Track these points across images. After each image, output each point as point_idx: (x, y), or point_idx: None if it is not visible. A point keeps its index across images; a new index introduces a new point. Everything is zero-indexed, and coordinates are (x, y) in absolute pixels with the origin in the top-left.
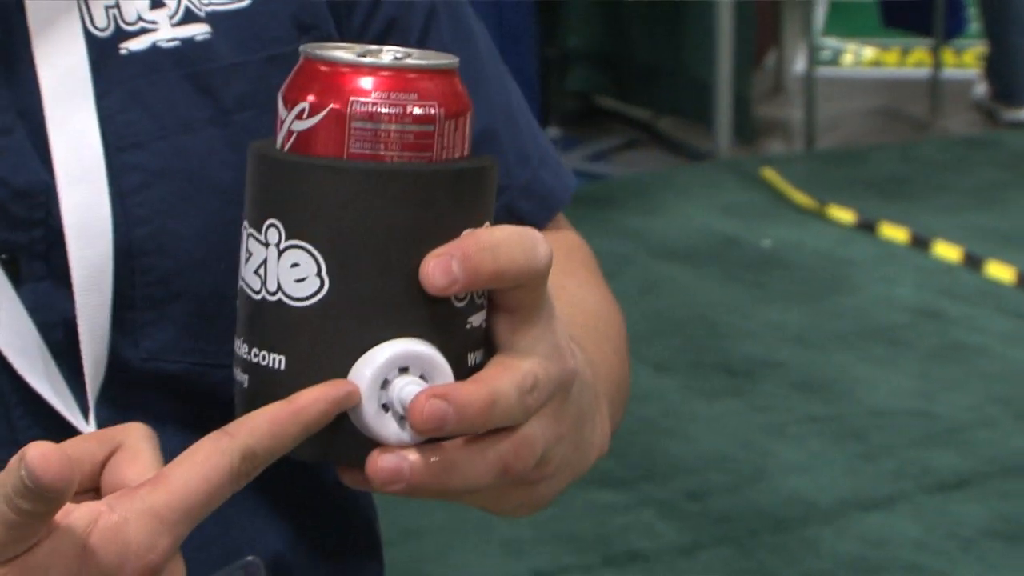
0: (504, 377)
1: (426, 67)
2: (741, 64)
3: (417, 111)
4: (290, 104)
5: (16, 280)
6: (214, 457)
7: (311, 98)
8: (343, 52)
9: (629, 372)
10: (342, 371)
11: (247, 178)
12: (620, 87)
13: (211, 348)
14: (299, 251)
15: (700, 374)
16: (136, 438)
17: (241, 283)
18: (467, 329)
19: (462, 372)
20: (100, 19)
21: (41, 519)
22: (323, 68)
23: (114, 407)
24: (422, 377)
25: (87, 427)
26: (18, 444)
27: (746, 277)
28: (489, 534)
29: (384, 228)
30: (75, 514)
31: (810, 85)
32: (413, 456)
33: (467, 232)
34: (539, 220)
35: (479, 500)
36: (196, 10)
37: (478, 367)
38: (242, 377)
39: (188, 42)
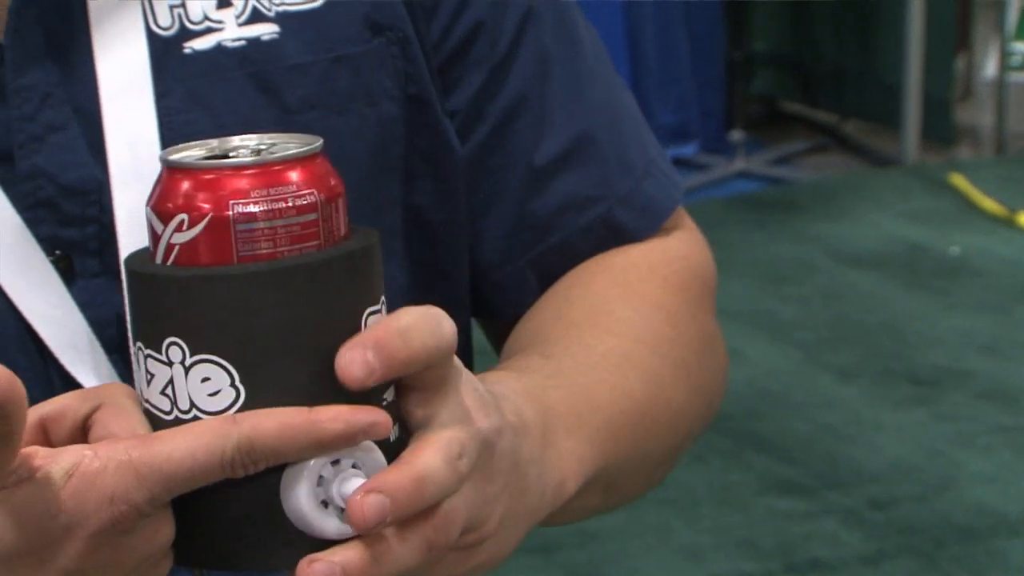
0: (428, 452)
1: (297, 155)
2: (939, 64)
3: (299, 202)
4: (165, 217)
5: (70, 277)
6: (210, 437)
7: (188, 208)
8: (203, 153)
9: (683, 395)
10: (276, 476)
11: (128, 297)
12: (806, 90)
13: None
14: (208, 365)
15: (885, 382)
16: (118, 395)
17: (146, 405)
18: (383, 407)
19: (387, 451)
20: (164, 18)
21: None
22: (194, 176)
23: None
24: (355, 466)
25: None
26: None
27: (933, 284)
28: (669, 538)
29: (290, 324)
30: (61, 457)
31: (1001, 90)
32: (341, 558)
33: (373, 321)
34: (641, 230)
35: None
36: (265, 10)
37: (400, 441)
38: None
39: (254, 42)
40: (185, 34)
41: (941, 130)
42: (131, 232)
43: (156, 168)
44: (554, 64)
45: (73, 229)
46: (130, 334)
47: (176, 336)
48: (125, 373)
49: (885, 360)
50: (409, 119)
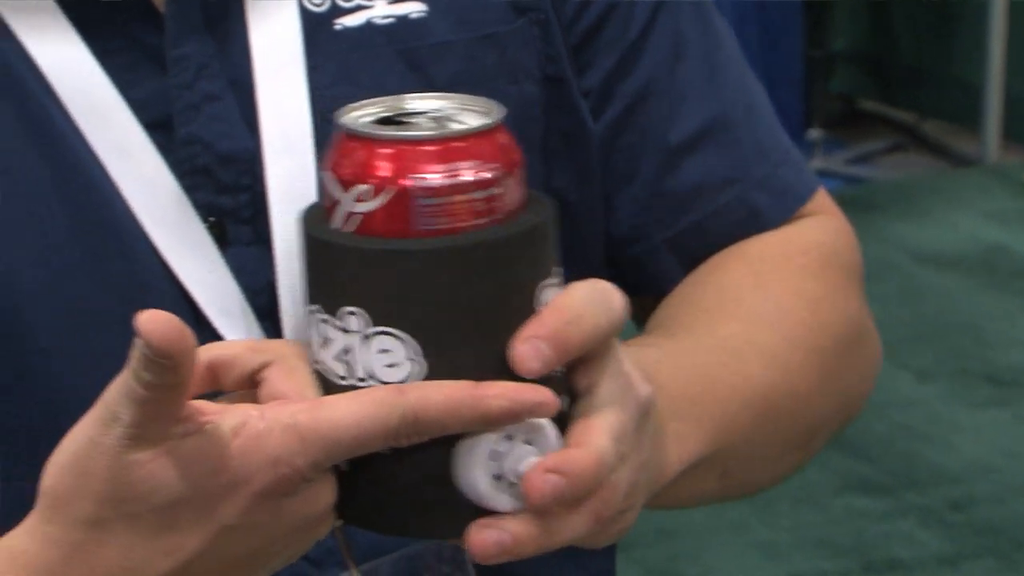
0: (601, 434)
1: (480, 129)
2: (1020, 63)
3: (482, 176)
4: (345, 183)
5: (223, 243)
6: (376, 407)
7: (371, 178)
8: (381, 111)
9: (814, 384)
10: (447, 449)
11: (307, 259)
12: (885, 89)
13: None
14: (388, 337)
15: (964, 382)
16: (290, 354)
17: (318, 367)
18: (554, 382)
19: (558, 424)
20: None
21: (169, 391)
22: (378, 145)
23: None
24: (528, 442)
25: None
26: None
27: (1013, 285)
28: (746, 535)
29: (469, 300)
30: (227, 414)
31: None
32: (513, 527)
33: (548, 304)
34: (778, 214)
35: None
36: None
37: (565, 414)
38: (342, 464)
39: (403, 19)
40: (336, 11)
41: (1023, 130)
42: (283, 201)
43: (308, 139)
44: (689, 47)
45: (227, 197)
46: (304, 294)
47: (357, 306)
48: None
49: (964, 360)
50: (548, 100)
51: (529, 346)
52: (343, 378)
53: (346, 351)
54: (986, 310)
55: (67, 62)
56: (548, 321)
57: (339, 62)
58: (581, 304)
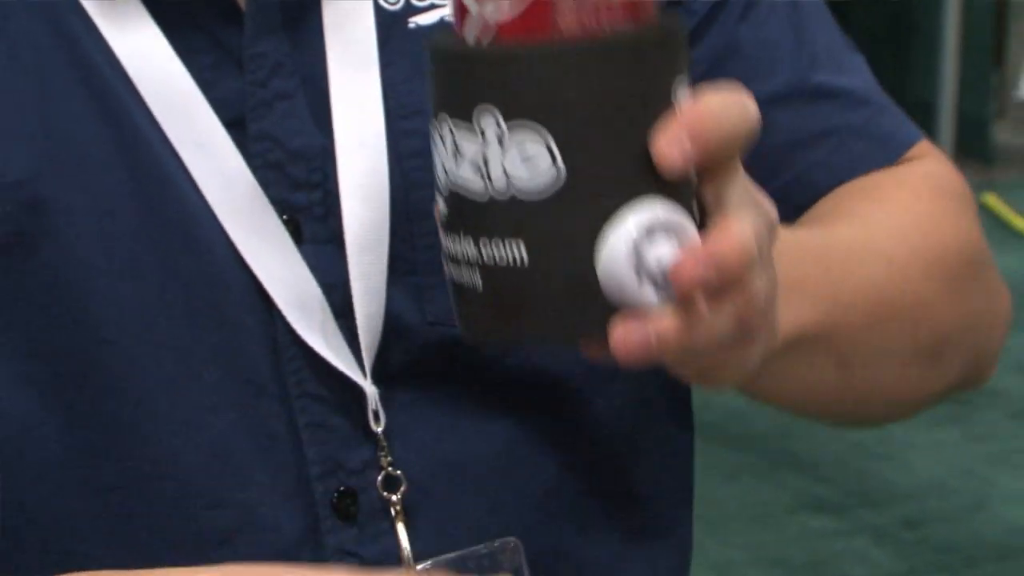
0: (741, 228)
1: None
2: (974, 82)
3: None
4: None
5: (297, 240)
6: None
7: None
8: None
9: (938, 294)
10: (590, 245)
11: (436, 80)
12: None
13: None
14: (525, 135)
15: None
16: None
17: (450, 183)
18: (691, 184)
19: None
20: None
21: None
22: None
23: (396, 370)
24: (669, 240)
25: (366, 383)
26: (290, 399)
27: None
28: (700, 555)
29: (610, 99)
30: None
31: None
32: (657, 322)
33: (685, 103)
34: (881, 158)
35: (704, 367)
36: None
37: (696, 219)
38: (472, 278)
39: None
40: (410, 9)
41: (977, 149)
42: (355, 198)
43: (381, 135)
44: (769, 5)
45: (300, 193)
46: (432, 111)
47: (491, 104)
48: (350, 339)
49: None
50: None
51: (671, 139)
52: (478, 189)
53: (483, 159)
54: None
55: (150, 58)
56: (688, 118)
57: (412, 60)
58: (719, 106)
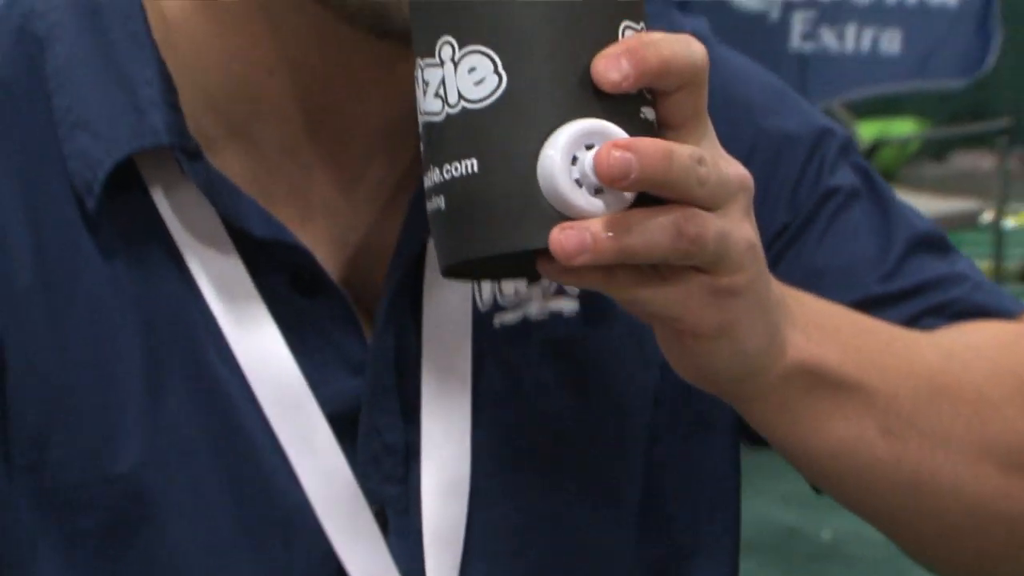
0: (675, 140)
1: None
2: None
3: None
4: None
5: (384, 531)
6: None
7: None
8: None
9: (1010, 406)
10: (534, 155)
11: (414, 26)
12: None
13: None
14: (475, 55)
15: None
16: None
17: (422, 118)
18: (640, 119)
19: None
20: (486, 295)
21: None
22: None
23: None
24: None
25: None
26: None
27: (809, 568)
28: None
29: (554, 21)
30: None
31: None
32: (593, 225)
33: (628, 35)
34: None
35: (671, 306)
36: (568, 288)
37: None
38: (438, 202)
39: (556, 315)
40: (497, 308)
41: None
42: (436, 493)
43: (466, 435)
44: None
45: (389, 486)
46: (415, 54)
47: (448, 35)
48: None
49: None
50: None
51: (609, 59)
52: (438, 113)
53: (441, 83)
54: None
55: (266, 357)
56: (626, 42)
57: (498, 358)
58: (659, 36)
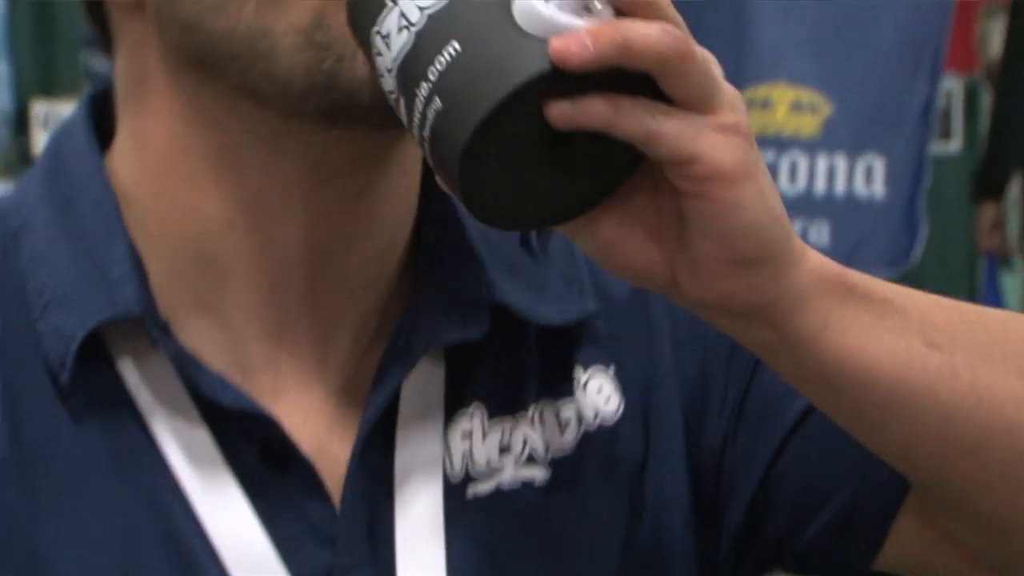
0: None
1: None
2: None
3: None
4: None
5: None
6: None
7: None
8: None
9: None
10: (505, 5)
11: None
12: None
13: None
14: None
15: None
16: None
17: (393, 67)
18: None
19: None
20: (457, 464)
21: None
22: None
23: None
24: None
25: None
26: None
27: None
28: None
29: None
30: None
31: None
32: (588, 26)
33: None
34: None
35: (685, 140)
36: (538, 456)
37: None
38: (436, 104)
39: (528, 484)
40: (468, 479)
41: None
42: None
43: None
44: None
45: None
46: (366, 40)
47: None
48: None
49: None
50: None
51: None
52: (407, 43)
53: (400, 15)
54: None
55: (234, 526)
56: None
57: (472, 531)
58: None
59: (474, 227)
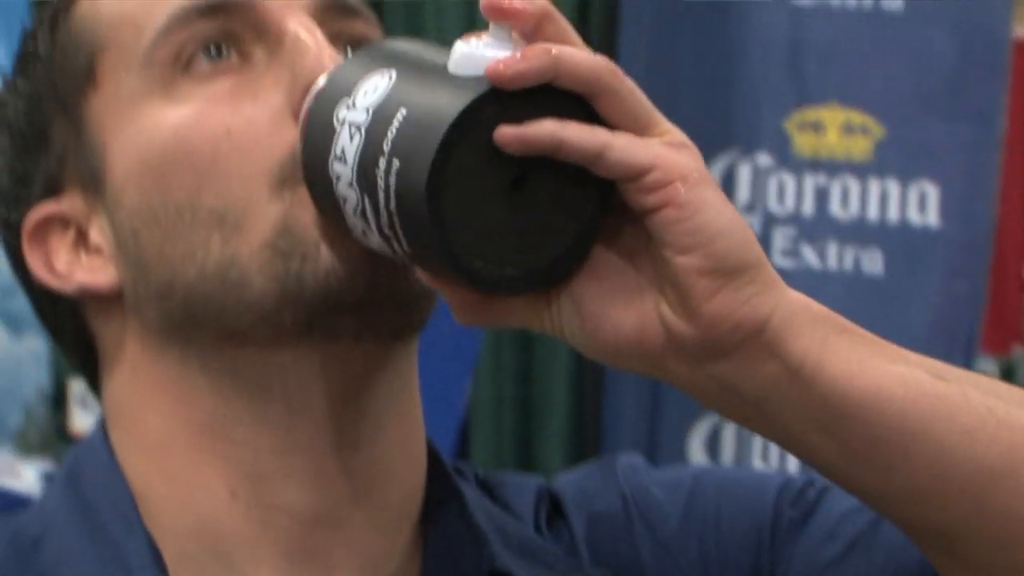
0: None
1: None
2: None
3: None
4: None
5: None
6: None
7: None
8: None
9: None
10: (442, 68)
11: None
12: None
13: None
14: (368, 83)
15: None
16: None
17: (355, 168)
18: None
19: None
20: None
21: None
22: None
23: None
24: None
25: None
26: None
27: None
28: None
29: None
30: None
31: None
32: (518, 50)
33: None
34: None
35: (638, 153)
36: None
37: None
38: (395, 166)
39: None
40: None
41: None
42: None
43: None
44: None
45: None
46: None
47: (342, 106)
48: None
49: None
50: None
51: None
52: (359, 144)
53: (351, 125)
54: None
55: None
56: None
57: None
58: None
59: (481, 510)
